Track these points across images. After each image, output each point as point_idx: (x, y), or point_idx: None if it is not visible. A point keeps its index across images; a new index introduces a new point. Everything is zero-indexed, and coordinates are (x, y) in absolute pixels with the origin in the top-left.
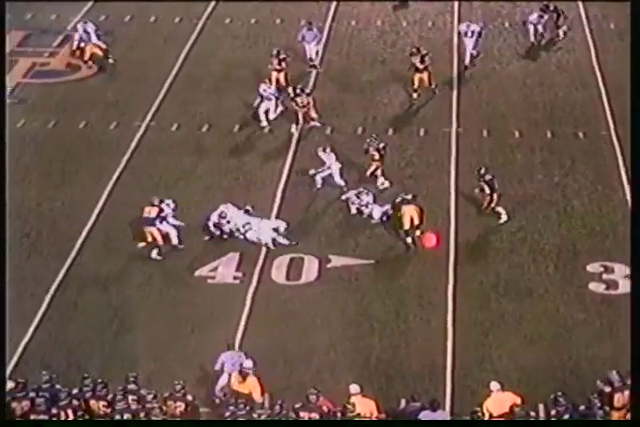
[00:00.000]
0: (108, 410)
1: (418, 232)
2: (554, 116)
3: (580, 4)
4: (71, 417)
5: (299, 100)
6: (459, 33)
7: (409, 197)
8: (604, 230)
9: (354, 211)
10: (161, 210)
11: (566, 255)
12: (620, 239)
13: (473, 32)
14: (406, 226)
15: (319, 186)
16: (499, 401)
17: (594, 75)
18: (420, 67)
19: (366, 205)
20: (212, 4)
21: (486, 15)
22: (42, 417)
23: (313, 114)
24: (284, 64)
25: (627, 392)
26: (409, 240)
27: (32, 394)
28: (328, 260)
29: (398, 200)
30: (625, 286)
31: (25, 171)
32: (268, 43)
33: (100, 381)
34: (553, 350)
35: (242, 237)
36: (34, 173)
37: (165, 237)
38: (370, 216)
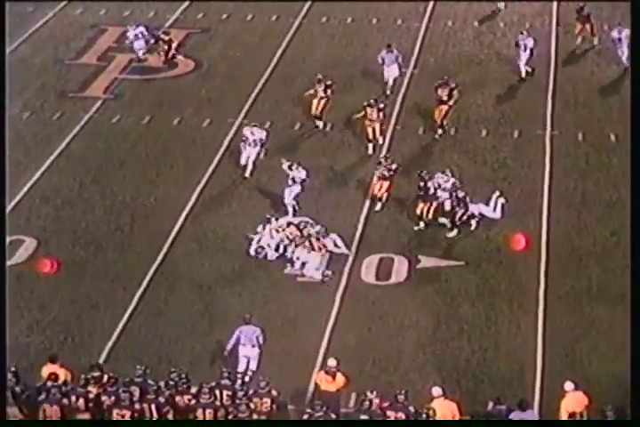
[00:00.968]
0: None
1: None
2: None
3: None
4: (155, 414)
5: (369, 110)
6: (516, 44)
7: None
8: None
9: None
10: None
11: None
12: None
13: (525, 46)
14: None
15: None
16: (575, 400)
17: None
18: (445, 99)
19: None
20: (309, 2)
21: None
22: (125, 412)
23: (377, 133)
24: (329, 91)
25: None
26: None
27: (121, 389)
28: (418, 260)
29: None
30: None
31: (119, 166)
32: (363, 43)
33: (184, 376)
34: None
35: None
36: (128, 169)
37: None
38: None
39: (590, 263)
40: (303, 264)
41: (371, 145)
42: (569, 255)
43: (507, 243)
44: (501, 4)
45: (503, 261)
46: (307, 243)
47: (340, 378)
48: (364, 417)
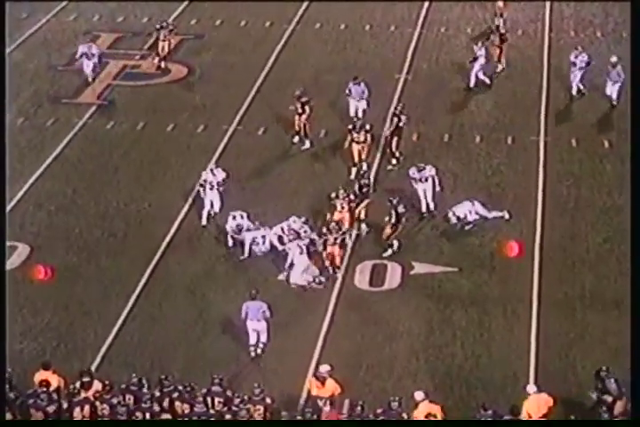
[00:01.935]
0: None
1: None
2: None
3: None
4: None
5: (355, 135)
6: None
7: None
8: None
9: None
10: None
11: None
12: None
13: (575, 63)
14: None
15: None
16: (537, 402)
17: None
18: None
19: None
20: (303, 8)
21: (578, 24)
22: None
23: (363, 155)
24: (307, 108)
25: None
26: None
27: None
28: (411, 267)
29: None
30: None
31: (113, 172)
32: (357, 48)
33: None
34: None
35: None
36: (122, 175)
37: None
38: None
39: (584, 269)
40: (291, 265)
41: (354, 169)
42: (562, 261)
43: (500, 249)
44: (499, 21)
45: (496, 267)
46: (302, 243)
47: (330, 384)
48: None
